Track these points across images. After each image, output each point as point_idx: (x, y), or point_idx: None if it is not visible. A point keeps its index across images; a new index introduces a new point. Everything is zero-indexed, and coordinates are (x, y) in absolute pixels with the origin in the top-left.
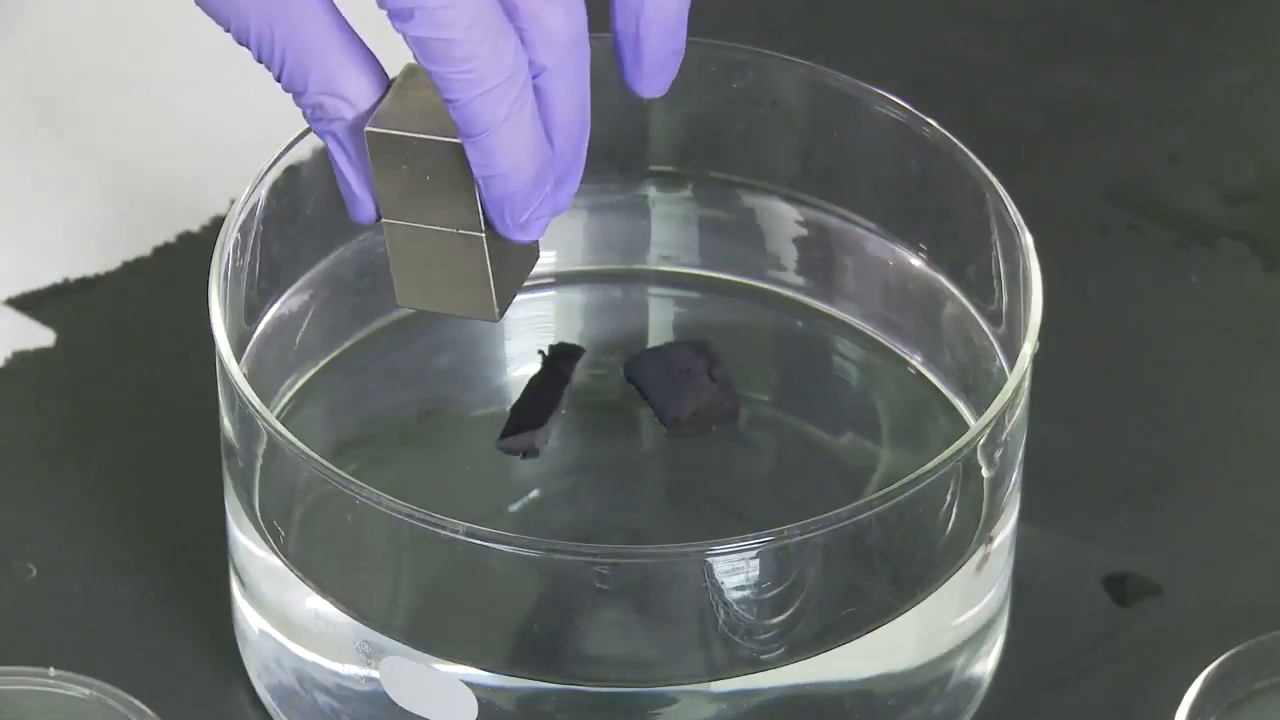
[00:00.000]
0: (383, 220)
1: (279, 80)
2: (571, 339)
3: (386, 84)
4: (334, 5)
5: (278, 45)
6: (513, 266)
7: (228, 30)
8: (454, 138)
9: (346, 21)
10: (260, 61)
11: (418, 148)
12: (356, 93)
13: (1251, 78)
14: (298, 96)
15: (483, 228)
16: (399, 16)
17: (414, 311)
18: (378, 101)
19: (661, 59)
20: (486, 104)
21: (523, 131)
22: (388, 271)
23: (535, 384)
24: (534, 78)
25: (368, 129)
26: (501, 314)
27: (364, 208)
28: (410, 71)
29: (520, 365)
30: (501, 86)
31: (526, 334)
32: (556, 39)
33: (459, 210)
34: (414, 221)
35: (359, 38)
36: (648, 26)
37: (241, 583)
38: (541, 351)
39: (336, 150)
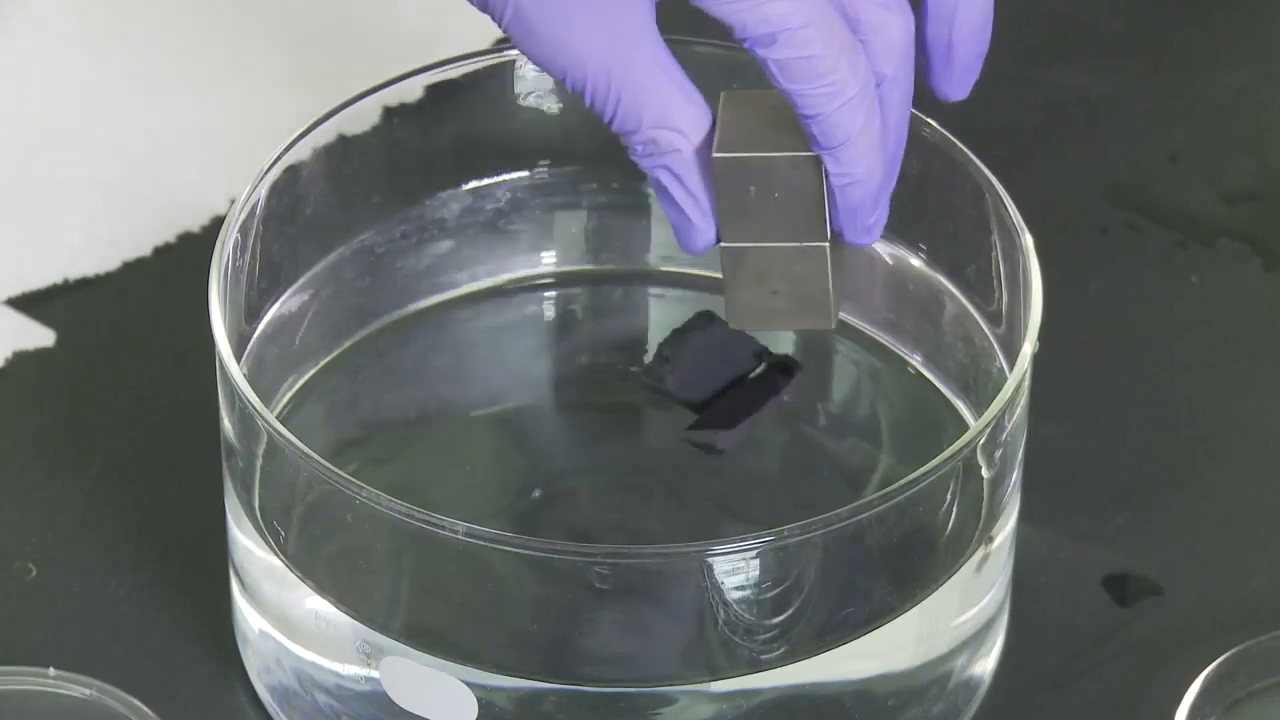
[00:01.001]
0: (721, 245)
1: (610, 121)
2: (571, 339)
3: (713, 113)
4: (664, 42)
5: (613, 88)
6: (842, 273)
7: (561, 80)
8: (807, 152)
9: (674, 55)
10: (591, 105)
11: (770, 166)
12: (689, 125)
13: (1251, 78)
14: (629, 135)
15: (828, 237)
16: (760, 43)
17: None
18: (710, 130)
19: (970, 62)
20: (845, 114)
21: (874, 136)
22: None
23: (745, 385)
24: (876, 86)
25: (716, 155)
26: (835, 323)
27: (703, 235)
28: (727, 99)
29: (521, 364)
30: (858, 96)
31: (526, 334)
32: (895, 48)
33: (806, 223)
34: (755, 241)
35: (684, 71)
36: (959, 33)
37: (241, 583)
38: (758, 354)
39: (671, 183)
